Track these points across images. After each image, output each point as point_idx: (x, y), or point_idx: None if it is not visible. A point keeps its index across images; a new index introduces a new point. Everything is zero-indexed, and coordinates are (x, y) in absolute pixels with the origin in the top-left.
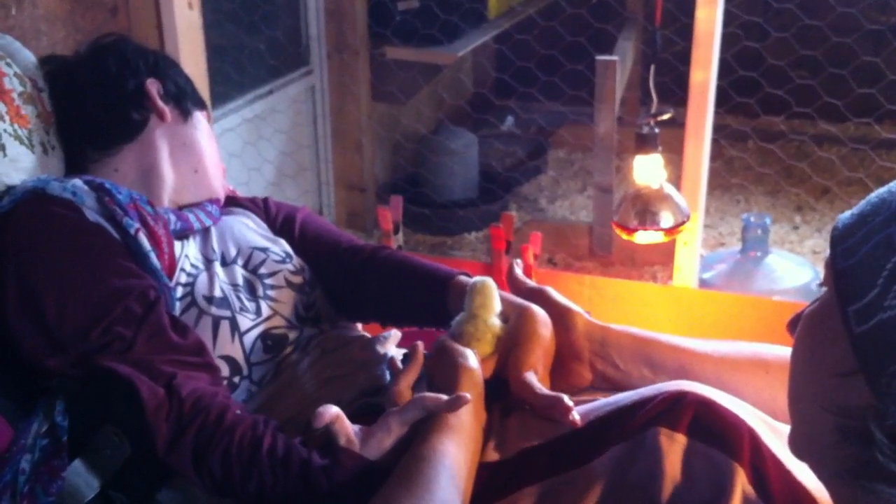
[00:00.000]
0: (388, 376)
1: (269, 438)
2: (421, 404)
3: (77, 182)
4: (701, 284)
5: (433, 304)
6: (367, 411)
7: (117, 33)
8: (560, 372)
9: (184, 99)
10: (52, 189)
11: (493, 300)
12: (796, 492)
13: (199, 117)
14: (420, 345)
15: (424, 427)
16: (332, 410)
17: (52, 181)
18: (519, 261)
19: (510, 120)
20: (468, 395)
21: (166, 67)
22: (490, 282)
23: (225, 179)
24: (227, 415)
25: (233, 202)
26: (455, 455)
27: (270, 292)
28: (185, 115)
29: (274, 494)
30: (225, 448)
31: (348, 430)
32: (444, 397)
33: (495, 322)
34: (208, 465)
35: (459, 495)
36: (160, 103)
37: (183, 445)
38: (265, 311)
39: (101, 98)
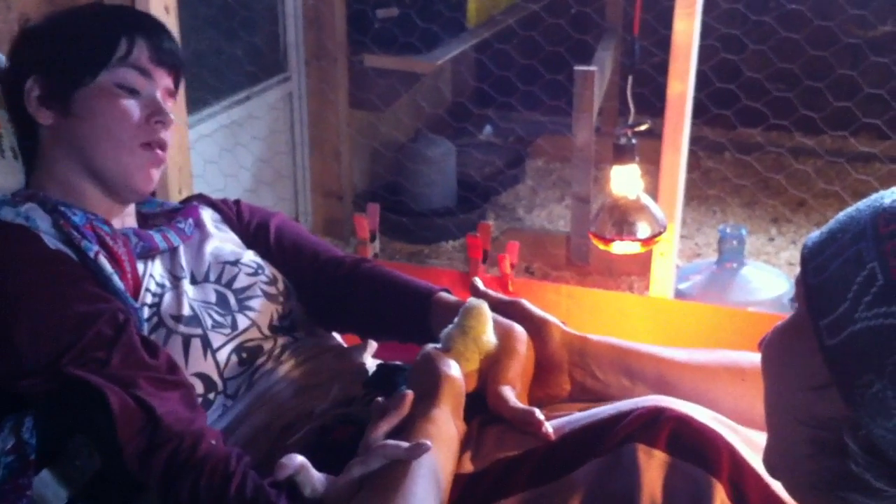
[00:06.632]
0: (363, 386)
1: (239, 477)
2: (382, 453)
3: (31, 205)
4: (677, 295)
5: (415, 320)
6: (340, 422)
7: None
8: (539, 383)
9: (60, 86)
10: (5, 215)
11: (486, 324)
12: None
13: (84, 95)
14: (410, 394)
15: (403, 436)
16: (296, 461)
17: (5, 205)
18: (478, 278)
19: (489, 129)
20: (429, 443)
21: (53, 51)
22: (485, 307)
23: (156, 162)
24: (201, 444)
25: (204, 202)
26: (434, 463)
27: (247, 303)
28: (63, 106)
29: None
30: (194, 479)
31: (313, 479)
32: (405, 445)
33: (484, 340)
34: (176, 493)
35: (438, 503)
36: (31, 106)
37: (153, 465)
38: (242, 323)
39: (6, 104)
